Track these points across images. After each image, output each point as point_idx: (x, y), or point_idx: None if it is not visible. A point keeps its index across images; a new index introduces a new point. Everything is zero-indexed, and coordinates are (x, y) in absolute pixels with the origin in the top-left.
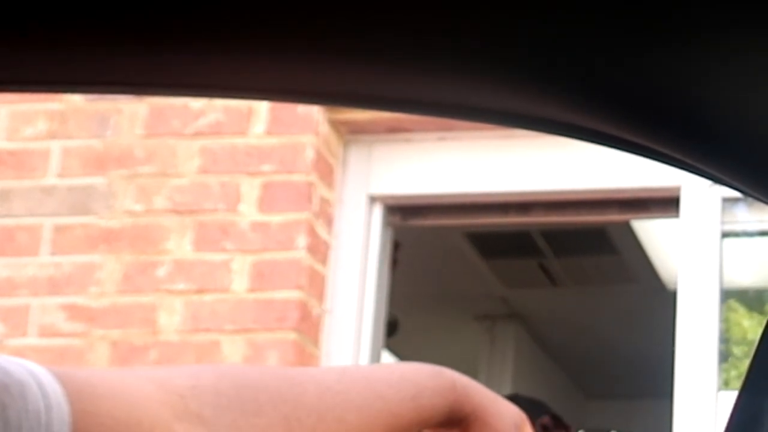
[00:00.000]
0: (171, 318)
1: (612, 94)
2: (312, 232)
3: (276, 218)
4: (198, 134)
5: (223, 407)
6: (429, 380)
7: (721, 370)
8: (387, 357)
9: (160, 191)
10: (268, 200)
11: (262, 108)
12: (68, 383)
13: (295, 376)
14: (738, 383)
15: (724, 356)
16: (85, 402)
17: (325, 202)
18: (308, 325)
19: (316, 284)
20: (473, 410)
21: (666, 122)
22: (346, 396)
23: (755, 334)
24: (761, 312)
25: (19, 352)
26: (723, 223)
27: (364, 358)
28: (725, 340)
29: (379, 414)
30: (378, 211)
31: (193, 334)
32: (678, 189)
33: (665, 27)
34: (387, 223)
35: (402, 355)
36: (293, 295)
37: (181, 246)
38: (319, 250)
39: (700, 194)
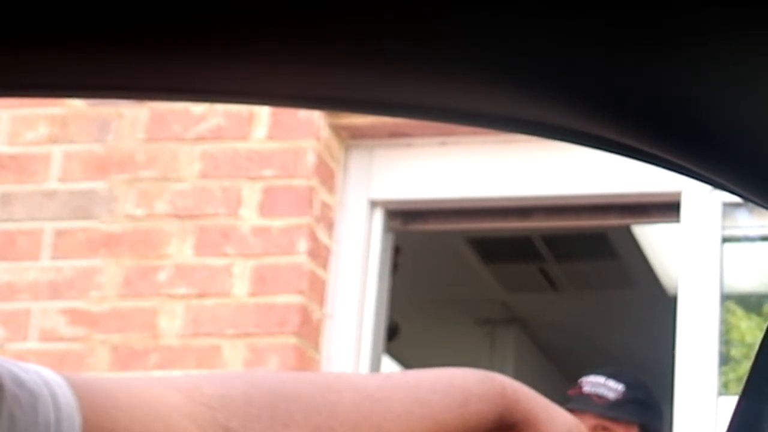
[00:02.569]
0: (172, 322)
1: (612, 99)
2: (313, 237)
3: (277, 223)
4: (199, 139)
5: (253, 417)
6: (477, 386)
7: (720, 373)
8: (387, 362)
9: (161, 195)
10: (269, 205)
11: (263, 113)
12: (86, 395)
13: (333, 383)
14: (737, 386)
15: (723, 359)
16: (100, 416)
17: (326, 206)
18: (309, 329)
19: (317, 289)
20: (524, 417)
21: (666, 127)
22: (386, 403)
23: (753, 337)
24: (759, 314)
25: (20, 357)
26: (723, 228)
27: (365, 362)
28: (723, 342)
29: (422, 421)
30: (379, 216)
31: (193, 338)
32: (678, 194)
33: (665, 32)
34: (388, 228)
35: (402, 359)
36: (294, 299)
37: (182, 250)
38: (320, 254)
39: (701, 199)
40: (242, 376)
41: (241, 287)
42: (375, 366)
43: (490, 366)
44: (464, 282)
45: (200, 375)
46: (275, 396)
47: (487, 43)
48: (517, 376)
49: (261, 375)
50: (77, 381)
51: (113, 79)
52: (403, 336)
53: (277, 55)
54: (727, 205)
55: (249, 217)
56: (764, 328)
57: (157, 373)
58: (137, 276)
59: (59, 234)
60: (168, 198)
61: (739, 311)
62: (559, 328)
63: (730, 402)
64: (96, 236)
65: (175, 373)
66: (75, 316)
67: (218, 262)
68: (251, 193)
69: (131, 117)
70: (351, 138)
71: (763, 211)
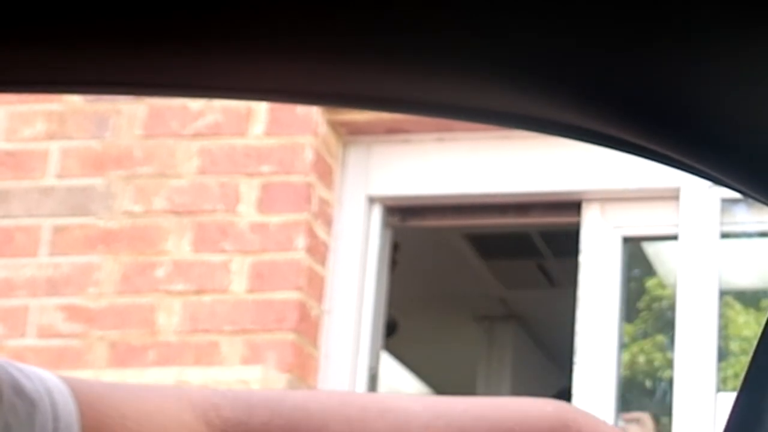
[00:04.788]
0: (170, 319)
1: (611, 95)
2: (311, 233)
3: (275, 219)
4: (197, 135)
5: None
6: (533, 412)
7: (718, 369)
8: (386, 358)
9: (158, 192)
10: (267, 201)
11: (261, 109)
12: (90, 407)
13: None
14: (735, 382)
15: (722, 354)
16: (102, 430)
17: (324, 202)
18: (307, 325)
19: (315, 285)
20: None
21: (665, 123)
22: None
23: (751, 332)
24: (757, 309)
25: (18, 353)
26: (722, 224)
27: (363, 359)
28: (722, 338)
29: None
30: (377, 212)
31: (191, 334)
32: (677, 190)
33: (664, 28)
34: (386, 224)
35: (401, 356)
36: (292, 295)
37: (179, 247)
38: (318, 250)
39: (700, 195)
40: (269, 402)
41: (239, 283)
42: (373, 362)
43: (488, 362)
44: (462, 278)
45: (224, 393)
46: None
47: (486, 38)
48: (516, 372)
49: (291, 402)
50: (84, 390)
51: (111, 75)
52: (402, 332)
53: (275, 51)
54: (726, 201)
55: (247, 213)
56: (762, 323)
57: (155, 370)
58: (135, 272)
59: (57, 230)
60: (166, 194)
61: (738, 306)
62: (557, 325)
63: (729, 398)
64: (94, 233)
65: (173, 369)
66: (73, 313)
67: (216, 258)
68: (249, 190)
69: (129, 113)
70: (349, 134)
71: (762, 206)
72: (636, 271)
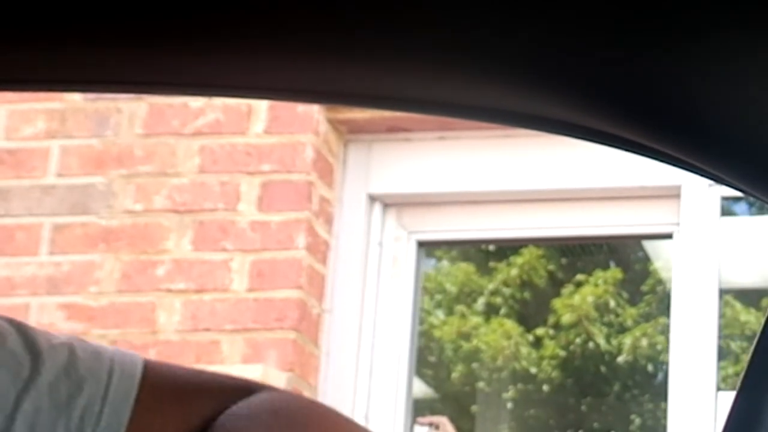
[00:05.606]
0: (170, 317)
1: (613, 94)
2: (311, 232)
3: (275, 218)
4: (197, 134)
5: None
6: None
7: (718, 368)
8: None
9: (159, 191)
10: (267, 199)
11: (261, 107)
12: (152, 392)
13: None
14: (735, 381)
15: (722, 354)
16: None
17: (324, 201)
18: (308, 324)
19: (316, 284)
20: None
21: (666, 122)
22: None
23: (752, 331)
24: (758, 308)
25: None
26: (722, 222)
27: (364, 357)
28: (722, 337)
29: None
30: (378, 211)
31: (192, 333)
32: (678, 188)
33: (665, 27)
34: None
35: None
36: (293, 294)
37: (180, 245)
38: (319, 249)
39: (700, 193)
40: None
41: (239, 282)
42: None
43: None
44: None
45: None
46: None
47: (487, 37)
48: None
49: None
50: (158, 379)
51: (112, 73)
52: None
53: (276, 50)
54: (726, 199)
55: (247, 212)
56: (762, 322)
57: None
58: (136, 271)
59: (57, 229)
60: (166, 193)
61: (736, 303)
62: None
63: (728, 398)
64: (94, 231)
65: None
66: (73, 312)
67: (217, 257)
68: (249, 188)
69: (129, 112)
70: (349, 132)
71: (763, 205)
72: (640, 254)
